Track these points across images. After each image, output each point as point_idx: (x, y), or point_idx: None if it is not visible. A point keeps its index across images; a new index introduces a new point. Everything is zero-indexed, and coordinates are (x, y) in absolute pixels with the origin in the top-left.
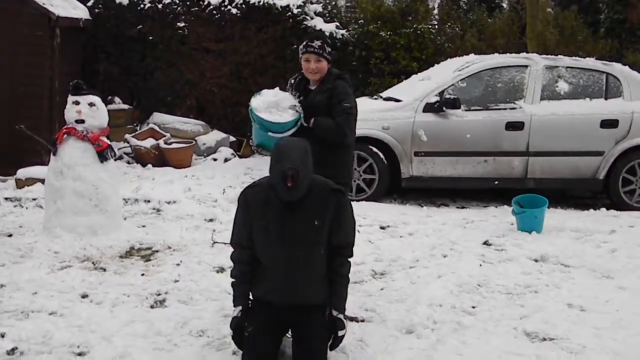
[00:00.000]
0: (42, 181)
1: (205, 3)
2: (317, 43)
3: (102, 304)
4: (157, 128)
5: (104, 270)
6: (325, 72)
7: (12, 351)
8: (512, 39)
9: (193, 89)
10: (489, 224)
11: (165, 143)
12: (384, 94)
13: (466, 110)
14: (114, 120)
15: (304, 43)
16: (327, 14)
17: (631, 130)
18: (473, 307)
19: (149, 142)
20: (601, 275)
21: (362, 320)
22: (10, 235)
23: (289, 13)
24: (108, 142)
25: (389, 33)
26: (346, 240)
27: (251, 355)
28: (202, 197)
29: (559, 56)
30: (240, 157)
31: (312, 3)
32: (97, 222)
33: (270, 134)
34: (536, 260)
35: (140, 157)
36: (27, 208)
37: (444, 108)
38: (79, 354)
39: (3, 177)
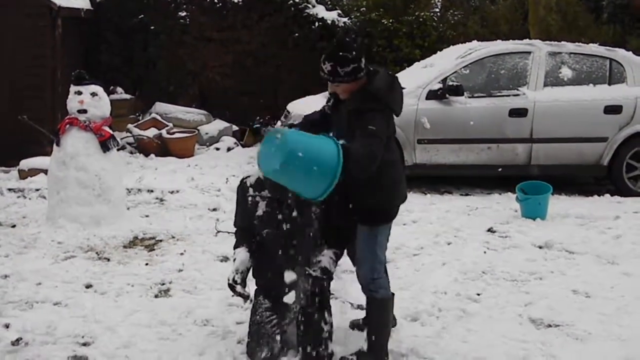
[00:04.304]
0: (45, 172)
1: None
2: (327, 67)
3: (106, 294)
4: (159, 118)
5: (108, 260)
6: (353, 90)
7: (16, 342)
8: (515, 26)
9: (195, 78)
10: (493, 211)
11: (168, 133)
12: None
13: (469, 97)
14: (116, 110)
15: (321, 58)
16: (328, 2)
17: (635, 116)
18: (478, 294)
19: (151, 132)
20: (606, 261)
21: None
22: (13, 226)
23: (291, 1)
24: (110, 132)
25: (391, 20)
26: None
27: (256, 345)
28: (205, 186)
29: (562, 42)
30: (243, 146)
31: None
32: (100, 212)
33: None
34: (541, 247)
35: (142, 147)
36: (30, 199)
37: (447, 95)
38: (84, 344)
39: (6, 167)
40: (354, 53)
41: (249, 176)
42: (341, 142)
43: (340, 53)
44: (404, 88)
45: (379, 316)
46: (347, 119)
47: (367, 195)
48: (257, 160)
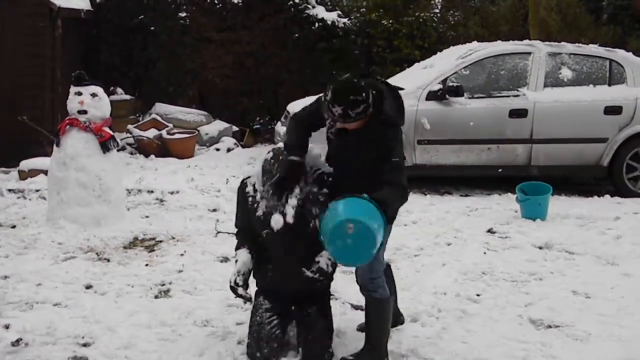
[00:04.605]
0: (45, 172)
1: None
2: (338, 110)
3: (107, 294)
4: (159, 118)
5: (108, 261)
6: (362, 123)
7: (16, 342)
8: (515, 26)
9: (195, 79)
10: (493, 212)
11: (168, 133)
12: None
13: (469, 98)
14: (116, 110)
15: (325, 101)
16: (328, 3)
17: (635, 117)
18: (478, 295)
19: (151, 133)
20: (606, 262)
21: None
22: (13, 227)
23: (290, 2)
24: (110, 132)
25: (391, 21)
26: None
27: (256, 346)
28: (205, 187)
29: (562, 43)
30: (243, 146)
31: None
32: (100, 213)
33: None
34: (540, 248)
35: (142, 148)
36: (30, 199)
37: (447, 96)
38: (84, 345)
39: (6, 168)
40: (363, 94)
41: (249, 177)
42: (365, 196)
43: (351, 97)
44: (402, 89)
45: (377, 316)
46: (360, 146)
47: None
48: (337, 260)
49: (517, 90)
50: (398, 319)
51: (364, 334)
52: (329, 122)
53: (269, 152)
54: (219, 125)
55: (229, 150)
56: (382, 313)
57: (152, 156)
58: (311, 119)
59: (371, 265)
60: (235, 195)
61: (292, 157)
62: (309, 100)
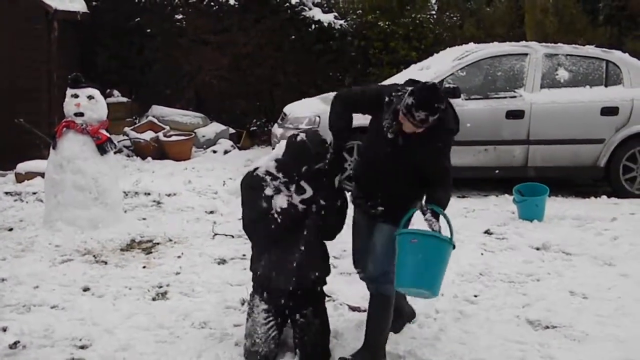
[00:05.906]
0: (42, 175)
1: None
2: (420, 115)
3: (104, 297)
4: (156, 121)
5: (105, 263)
6: (425, 130)
7: (14, 345)
8: (511, 28)
9: (192, 81)
10: (490, 213)
11: (165, 136)
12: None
13: (466, 99)
14: (113, 113)
15: (405, 104)
16: (325, 4)
17: (631, 118)
18: (475, 296)
19: (148, 135)
20: (603, 262)
21: (364, 311)
22: (11, 230)
23: (287, 4)
24: (107, 134)
25: (387, 23)
26: None
27: (254, 347)
28: (202, 189)
29: (559, 44)
30: (239, 148)
31: None
32: (97, 215)
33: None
34: (538, 249)
35: (139, 150)
36: (27, 202)
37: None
38: (81, 347)
39: (3, 171)
40: (444, 102)
41: (258, 167)
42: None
43: (435, 104)
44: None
45: (379, 313)
46: (417, 150)
47: (402, 200)
48: (411, 284)
49: (514, 92)
50: (412, 315)
51: (361, 335)
52: (387, 122)
53: (298, 135)
54: (215, 127)
55: (225, 152)
56: (384, 310)
57: (149, 158)
58: (357, 106)
59: (390, 260)
60: (232, 197)
61: (340, 142)
62: (305, 102)
